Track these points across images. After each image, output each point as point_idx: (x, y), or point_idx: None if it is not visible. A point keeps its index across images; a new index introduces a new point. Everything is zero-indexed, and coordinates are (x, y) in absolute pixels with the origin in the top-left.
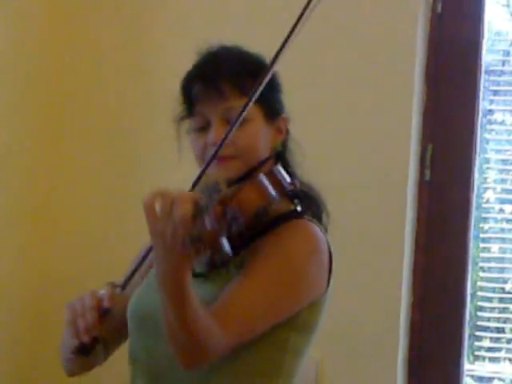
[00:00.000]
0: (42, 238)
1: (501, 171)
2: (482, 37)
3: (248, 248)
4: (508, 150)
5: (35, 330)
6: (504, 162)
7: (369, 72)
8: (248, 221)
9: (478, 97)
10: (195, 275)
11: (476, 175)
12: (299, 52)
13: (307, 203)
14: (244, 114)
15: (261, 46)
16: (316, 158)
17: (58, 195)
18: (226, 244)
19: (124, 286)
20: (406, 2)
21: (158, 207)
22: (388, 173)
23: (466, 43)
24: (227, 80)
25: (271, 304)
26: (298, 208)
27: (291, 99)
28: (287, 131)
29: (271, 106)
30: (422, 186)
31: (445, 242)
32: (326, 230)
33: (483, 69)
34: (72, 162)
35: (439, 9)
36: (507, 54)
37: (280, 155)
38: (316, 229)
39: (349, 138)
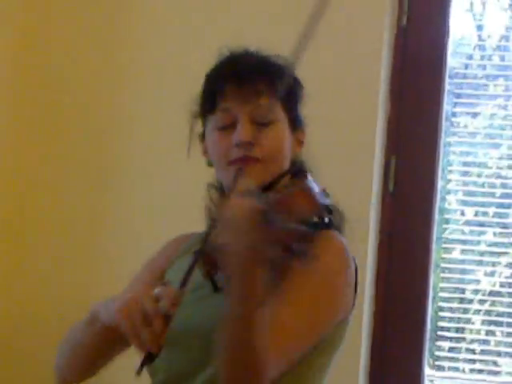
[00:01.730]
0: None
1: (463, 174)
2: (447, 50)
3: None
4: (470, 153)
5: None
6: (466, 164)
7: (333, 84)
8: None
9: (442, 109)
10: (217, 288)
11: (440, 184)
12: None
13: (334, 215)
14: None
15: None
16: None
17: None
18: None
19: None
20: (371, 13)
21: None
22: (352, 184)
23: (431, 57)
24: (262, 78)
25: (313, 325)
26: (326, 219)
27: None
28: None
29: (295, 114)
30: (386, 197)
31: (408, 253)
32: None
33: (447, 81)
34: (52, 162)
35: (404, 21)
36: (470, 57)
37: (299, 170)
38: (345, 242)
39: (312, 150)
